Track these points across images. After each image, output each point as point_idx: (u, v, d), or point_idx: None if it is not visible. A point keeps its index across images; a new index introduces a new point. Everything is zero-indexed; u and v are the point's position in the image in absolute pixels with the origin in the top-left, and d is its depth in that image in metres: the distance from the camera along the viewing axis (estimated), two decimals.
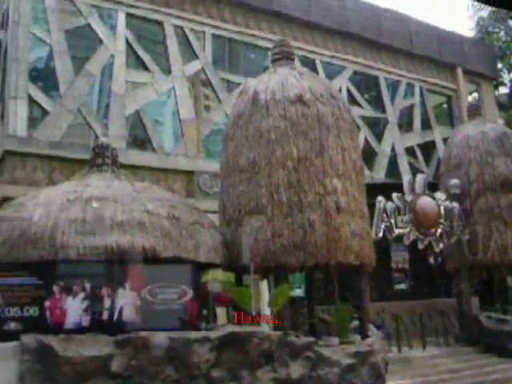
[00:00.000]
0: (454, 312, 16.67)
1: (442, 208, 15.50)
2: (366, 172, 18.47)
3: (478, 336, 15.52)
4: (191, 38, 19.91)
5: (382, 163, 23.43)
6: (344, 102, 12.59)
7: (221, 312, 10.44)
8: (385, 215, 13.94)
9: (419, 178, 15.68)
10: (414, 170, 23.03)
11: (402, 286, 19.51)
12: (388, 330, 14.37)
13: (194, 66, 19.86)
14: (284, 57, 12.48)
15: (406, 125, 25.50)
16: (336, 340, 10.09)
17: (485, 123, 17.96)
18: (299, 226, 10.33)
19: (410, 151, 24.75)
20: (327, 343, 9.86)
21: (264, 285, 10.23)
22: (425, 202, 15.16)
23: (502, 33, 33.31)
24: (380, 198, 13.97)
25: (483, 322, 15.46)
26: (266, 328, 9.55)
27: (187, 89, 19.48)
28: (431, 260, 16.03)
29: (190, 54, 19.88)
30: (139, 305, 9.07)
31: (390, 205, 14.16)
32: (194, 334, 8.71)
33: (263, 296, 10.09)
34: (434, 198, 15.49)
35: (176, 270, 9.57)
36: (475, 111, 18.73)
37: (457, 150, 17.19)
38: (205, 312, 10.03)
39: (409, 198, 14.80)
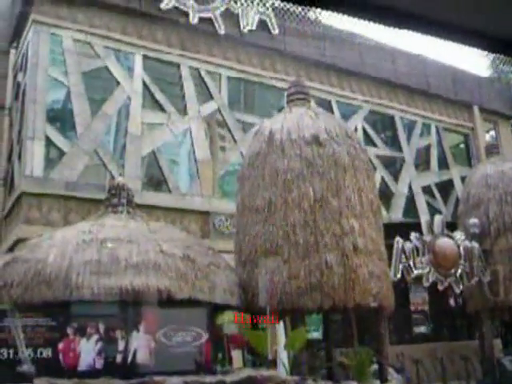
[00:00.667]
0: (477, 355, 16.30)
1: (461, 248, 15.31)
2: (383, 212, 18.36)
3: (501, 380, 15.13)
4: (207, 79, 20.21)
5: (399, 203, 23.33)
6: (360, 141, 12.65)
7: (236, 355, 10.32)
8: (403, 256, 13.78)
9: (437, 217, 15.55)
10: (432, 210, 22.91)
11: (422, 329, 19.16)
12: (408, 375, 14.08)
13: (210, 107, 20.10)
14: (299, 97, 12.59)
15: (422, 164, 25.47)
16: None
17: (503, 162, 17.84)
18: (316, 267, 10.25)
19: (427, 191, 24.64)
20: None
21: (280, 327, 10.10)
22: (444, 242, 15.00)
23: None
24: (398, 239, 13.84)
25: (506, 366, 15.10)
26: (282, 372, 9.40)
27: (203, 129, 19.69)
28: (452, 302, 15.81)
29: (205, 94, 20.15)
30: (153, 347, 8.99)
31: (408, 245, 14.02)
32: (208, 378, 8.59)
33: (279, 339, 9.95)
34: (453, 238, 15.31)
35: (191, 312, 9.52)
36: (493, 150, 18.66)
37: (475, 189, 17.07)
38: (220, 355, 9.93)
39: (427, 238, 14.65)
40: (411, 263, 13.91)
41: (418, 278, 14.51)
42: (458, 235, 15.58)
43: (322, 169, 10.90)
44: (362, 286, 10.34)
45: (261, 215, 10.96)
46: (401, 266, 13.63)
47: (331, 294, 10.14)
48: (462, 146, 27.90)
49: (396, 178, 23.78)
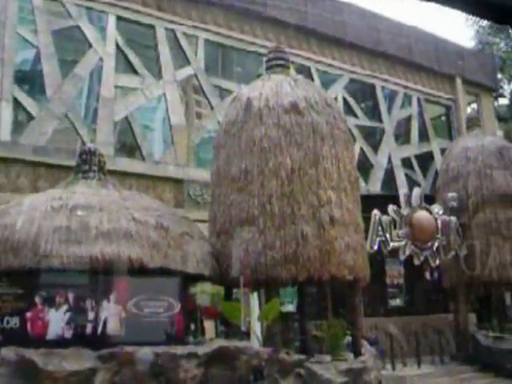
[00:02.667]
0: (451, 329, 16.67)
1: (438, 222, 15.54)
2: (362, 184, 18.51)
3: (474, 354, 15.52)
4: (183, 42, 19.95)
5: (377, 175, 23.49)
6: (339, 111, 12.63)
7: (209, 326, 10.40)
8: (380, 228, 13.95)
9: (416, 190, 15.73)
10: (411, 183, 23.13)
11: (397, 302, 19.49)
12: (382, 348, 14.35)
13: (186, 72, 19.89)
14: (279, 64, 12.51)
15: (402, 136, 25.60)
16: (328, 357, 10.05)
17: (484, 135, 18.07)
18: (291, 238, 10.31)
19: (406, 163, 24.82)
20: (319, 360, 9.82)
21: (254, 299, 10.19)
22: (421, 215, 15.20)
23: (503, 43, 33.58)
24: (375, 211, 13.98)
25: (480, 340, 15.47)
26: (255, 344, 9.51)
27: (178, 95, 19.50)
28: (427, 275, 16.07)
29: (181, 59, 19.91)
30: (124, 318, 9.01)
31: (385, 218, 14.18)
32: (180, 349, 8.66)
33: (253, 310, 10.05)
34: (430, 212, 15.52)
35: (163, 282, 9.53)
36: (474, 123, 18.83)
37: (455, 162, 17.25)
38: (192, 326, 9.99)
39: (405, 211, 14.83)
40: (388, 236, 14.11)
41: (395, 251, 14.72)
42: (436, 209, 15.80)
43: (300, 138, 10.88)
44: (338, 258, 10.44)
45: (236, 184, 10.95)
46: (377, 239, 13.81)
47: (306, 266, 10.22)
48: (443, 118, 28.09)
49: (375, 149, 23.90)
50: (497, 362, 14.79)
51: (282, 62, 12.60)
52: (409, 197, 15.25)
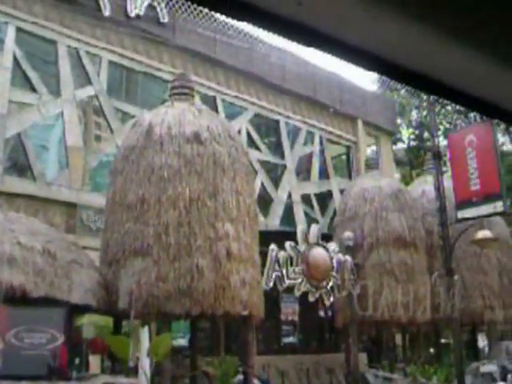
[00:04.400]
0: (342, 368, 16.98)
1: (334, 260, 15.90)
2: (261, 218, 18.72)
3: None
4: (86, 61, 19.58)
5: (277, 210, 23.85)
6: (242, 144, 12.83)
7: (94, 360, 10.08)
8: (277, 264, 14.10)
9: (313, 227, 16.07)
10: (310, 220, 23.62)
11: (291, 340, 19.66)
12: None
13: (87, 92, 19.49)
14: (183, 92, 12.56)
15: (303, 173, 26.20)
16: None
17: (381, 177, 18.84)
18: (186, 271, 10.26)
19: (306, 200, 25.37)
20: None
21: (145, 332, 9.98)
22: (318, 253, 15.52)
23: (403, 90, 35.38)
24: (273, 247, 14.14)
25: (369, 380, 15.84)
26: (142, 381, 9.28)
27: (77, 115, 19.05)
28: (321, 313, 16.36)
29: (83, 78, 19.51)
30: (2, 349, 8.57)
31: (282, 254, 14.36)
32: None
33: (143, 345, 9.83)
34: (327, 250, 15.88)
35: (47, 312, 9.18)
36: (373, 164, 19.65)
37: (352, 201, 17.83)
38: (77, 360, 9.65)
39: (302, 248, 15.09)
40: (284, 272, 14.27)
41: (290, 288, 14.91)
42: (332, 247, 16.18)
43: (201, 168, 10.94)
44: (233, 294, 10.48)
45: (132, 212, 10.80)
46: (274, 275, 13.94)
47: (200, 300, 10.18)
48: (344, 157, 29.06)
49: (276, 184, 24.30)
50: None
51: (186, 90, 12.67)
52: (306, 234, 15.55)
